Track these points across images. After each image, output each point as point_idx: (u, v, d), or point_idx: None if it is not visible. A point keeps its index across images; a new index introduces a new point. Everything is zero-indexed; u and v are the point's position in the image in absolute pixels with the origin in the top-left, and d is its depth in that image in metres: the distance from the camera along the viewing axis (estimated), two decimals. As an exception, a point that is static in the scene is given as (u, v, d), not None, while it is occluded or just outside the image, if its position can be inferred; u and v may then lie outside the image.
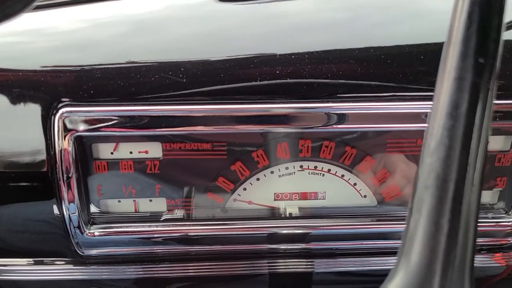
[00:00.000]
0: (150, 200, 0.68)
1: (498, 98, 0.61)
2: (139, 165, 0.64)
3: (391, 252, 0.69)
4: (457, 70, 0.31)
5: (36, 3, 0.39)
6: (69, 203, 0.62)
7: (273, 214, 0.70)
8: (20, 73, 0.59)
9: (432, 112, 0.33)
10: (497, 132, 0.65)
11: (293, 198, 0.69)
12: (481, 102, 0.31)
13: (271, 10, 0.67)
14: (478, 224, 0.68)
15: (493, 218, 0.69)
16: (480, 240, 0.70)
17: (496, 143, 0.66)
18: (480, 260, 0.72)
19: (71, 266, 0.68)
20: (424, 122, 0.59)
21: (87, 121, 0.59)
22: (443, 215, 0.30)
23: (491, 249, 0.71)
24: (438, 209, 0.30)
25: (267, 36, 0.63)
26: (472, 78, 0.31)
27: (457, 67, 0.31)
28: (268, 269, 0.71)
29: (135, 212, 0.68)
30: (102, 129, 0.59)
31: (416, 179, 0.32)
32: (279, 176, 0.67)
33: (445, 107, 0.31)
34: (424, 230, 0.30)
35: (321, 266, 0.71)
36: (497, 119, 0.62)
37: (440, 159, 0.31)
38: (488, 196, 0.70)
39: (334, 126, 0.61)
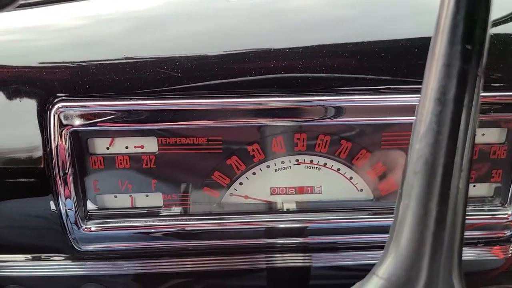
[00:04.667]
0: (147, 195, 0.68)
1: (493, 90, 0.62)
2: (135, 160, 0.64)
3: (388, 246, 0.69)
4: (445, 56, 0.32)
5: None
6: (65, 199, 0.63)
7: (270, 208, 0.70)
8: (16, 69, 0.59)
9: (421, 98, 0.33)
10: (492, 124, 0.65)
11: (289, 193, 0.69)
12: (469, 88, 0.31)
13: (266, 6, 0.67)
14: (475, 217, 0.69)
15: (489, 211, 0.69)
16: (477, 233, 0.70)
17: (492, 135, 0.67)
18: (478, 254, 0.72)
19: (68, 262, 0.69)
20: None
21: (82, 116, 0.59)
22: (431, 199, 0.30)
23: (488, 242, 0.71)
24: (427, 193, 0.30)
25: (262, 31, 0.64)
26: (460, 64, 0.31)
27: (445, 53, 0.32)
28: (266, 263, 0.71)
29: (132, 207, 0.68)
30: (98, 124, 0.60)
31: (406, 164, 0.32)
32: (275, 170, 0.67)
33: (433, 93, 0.32)
34: (413, 214, 0.31)
35: (319, 260, 0.71)
36: (492, 111, 0.62)
37: (428, 145, 0.31)
38: (484, 189, 0.70)
39: (329, 119, 0.61)
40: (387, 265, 0.31)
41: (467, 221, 0.68)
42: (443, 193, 0.30)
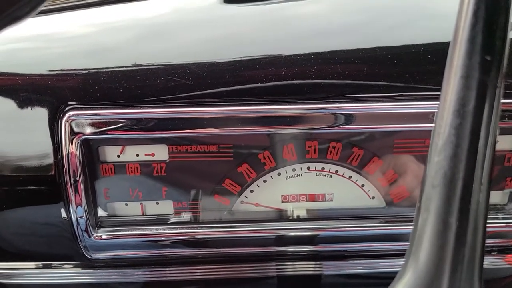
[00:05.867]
0: (157, 203, 0.68)
1: (508, 97, 0.61)
2: (146, 167, 0.64)
3: (401, 254, 0.68)
4: (463, 68, 0.31)
5: (42, 7, 0.39)
6: (76, 207, 0.62)
7: (281, 216, 0.69)
8: (27, 77, 0.59)
9: (439, 110, 0.32)
10: (507, 131, 0.65)
11: (300, 200, 0.69)
12: (488, 99, 0.31)
13: (277, 13, 0.67)
14: (489, 225, 0.68)
15: (503, 219, 0.68)
16: (490, 241, 0.69)
17: (506, 142, 0.66)
18: (491, 262, 0.71)
19: (79, 270, 0.68)
20: (432, 122, 0.58)
21: (93, 124, 0.59)
22: (451, 214, 0.29)
23: (502, 250, 0.70)
24: (446, 208, 0.30)
25: (272, 38, 0.63)
26: (479, 76, 0.31)
27: (463, 65, 0.31)
28: (277, 271, 0.70)
29: (142, 215, 0.68)
30: (109, 132, 0.60)
31: (424, 178, 0.32)
32: (286, 178, 0.67)
33: (452, 105, 0.31)
34: (432, 229, 0.30)
35: (330, 268, 0.71)
36: (506, 118, 0.61)
37: (447, 158, 0.30)
38: (498, 197, 0.69)
39: (341, 126, 0.61)
40: (405, 281, 0.31)
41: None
42: (463, 208, 0.29)
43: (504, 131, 0.64)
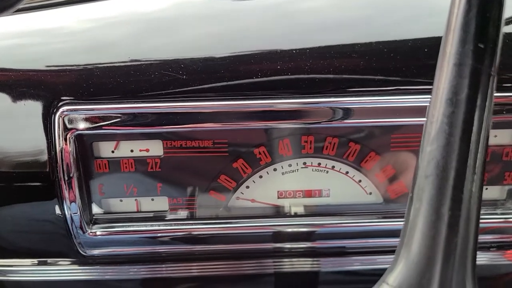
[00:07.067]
0: (152, 199, 0.67)
1: (505, 90, 0.60)
2: (140, 163, 0.64)
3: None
4: (456, 55, 0.30)
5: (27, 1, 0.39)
6: (70, 203, 0.62)
7: (277, 212, 0.69)
8: (21, 73, 0.59)
9: (432, 99, 0.32)
10: (505, 125, 0.64)
11: (297, 196, 0.68)
12: (481, 88, 0.30)
13: (272, 8, 0.66)
14: (487, 221, 0.67)
15: (502, 214, 0.67)
16: (489, 237, 0.68)
17: (504, 136, 0.65)
18: (491, 258, 0.70)
19: (74, 267, 0.68)
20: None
21: (87, 119, 0.59)
22: (443, 204, 0.29)
23: (501, 247, 0.70)
24: (438, 198, 0.29)
25: (268, 32, 0.63)
26: (472, 64, 0.30)
27: (456, 52, 0.30)
28: (274, 268, 0.70)
29: (137, 211, 0.68)
30: (103, 127, 0.59)
31: (416, 168, 0.31)
32: (282, 173, 0.66)
33: (445, 94, 0.31)
34: (424, 219, 0.29)
35: (327, 264, 0.70)
36: (504, 112, 0.61)
37: (440, 147, 0.30)
38: (496, 192, 0.69)
39: (338, 121, 0.60)
40: (397, 273, 0.30)
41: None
42: (455, 197, 0.29)
43: (502, 125, 0.64)
